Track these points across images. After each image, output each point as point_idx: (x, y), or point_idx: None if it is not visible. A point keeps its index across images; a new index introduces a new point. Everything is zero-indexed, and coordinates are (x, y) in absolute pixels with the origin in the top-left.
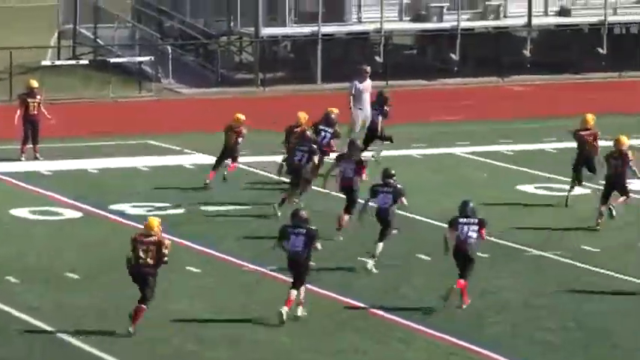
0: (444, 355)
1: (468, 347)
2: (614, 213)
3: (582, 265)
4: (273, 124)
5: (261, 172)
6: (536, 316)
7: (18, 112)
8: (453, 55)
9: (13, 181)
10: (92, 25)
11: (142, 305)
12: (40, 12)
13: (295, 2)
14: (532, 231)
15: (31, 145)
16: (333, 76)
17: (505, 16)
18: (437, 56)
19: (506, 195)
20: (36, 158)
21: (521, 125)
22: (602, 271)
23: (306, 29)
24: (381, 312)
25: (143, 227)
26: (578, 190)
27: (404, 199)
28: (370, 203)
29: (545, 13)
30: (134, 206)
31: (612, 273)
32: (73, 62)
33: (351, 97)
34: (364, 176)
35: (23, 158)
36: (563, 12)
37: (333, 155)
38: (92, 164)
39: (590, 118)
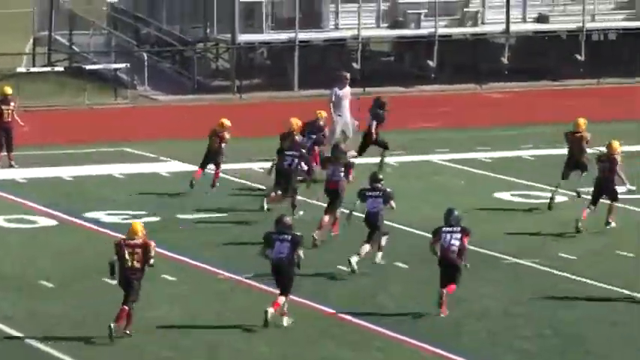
0: None
1: (446, 356)
2: (610, 227)
3: (559, 273)
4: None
5: (237, 180)
6: (514, 324)
7: None
8: (430, 62)
9: None
10: (68, 32)
11: (125, 307)
12: (15, 18)
13: (272, 8)
14: (510, 239)
15: (6, 153)
16: (310, 82)
17: (483, 23)
18: (414, 63)
19: (483, 202)
20: (11, 166)
21: (499, 132)
22: (578, 278)
23: (283, 36)
24: (358, 320)
25: (127, 233)
26: (557, 198)
27: (392, 203)
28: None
29: (524, 20)
30: (109, 214)
31: (588, 280)
32: (49, 69)
33: (331, 104)
34: (351, 177)
35: None
36: (542, 19)
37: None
38: (67, 172)
39: (582, 122)
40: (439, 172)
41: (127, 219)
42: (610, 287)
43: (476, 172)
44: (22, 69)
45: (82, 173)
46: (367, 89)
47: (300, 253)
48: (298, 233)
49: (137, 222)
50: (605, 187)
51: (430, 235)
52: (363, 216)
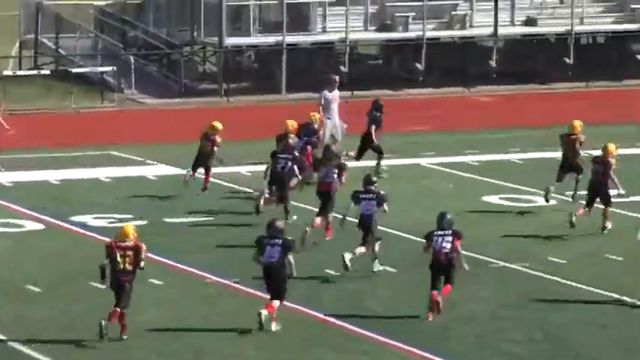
0: None
1: None
2: (606, 231)
3: (548, 277)
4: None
5: (224, 184)
6: (502, 328)
7: None
8: (418, 65)
9: None
10: (54, 35)
11: (117, 309)
12: (1, 21)
13: (259, 12)
14: (498, 242)
15: None
16: (297, 86)
17: (471, 26)
18: (402, 66)
19: (472, 206)
20: None
21: (487, 136)
22: (568, 282)
23: (271, 39)
24: (346, 324)
25: (118, 235)
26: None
27: (385, 206)
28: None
29: (512, 23)
30: (96, 217)
31: (577, 284)
32: (35, 72)
33: (320, 107)
34: (344, 179)
35: None
36: (530, 22)
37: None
38: (54, 175)
39: (578, 124)
40: (428, 176)
41: (113, 222)
42: (599, 291)
43: (464, 176)
44: (8, 72)
45: (69, 177)
46: (355, 92)
47: (290, 258)
48: (290, 238)
49: (128, 224)
50: (598, 191)
51: (420, 239)
52: (357, 220)
